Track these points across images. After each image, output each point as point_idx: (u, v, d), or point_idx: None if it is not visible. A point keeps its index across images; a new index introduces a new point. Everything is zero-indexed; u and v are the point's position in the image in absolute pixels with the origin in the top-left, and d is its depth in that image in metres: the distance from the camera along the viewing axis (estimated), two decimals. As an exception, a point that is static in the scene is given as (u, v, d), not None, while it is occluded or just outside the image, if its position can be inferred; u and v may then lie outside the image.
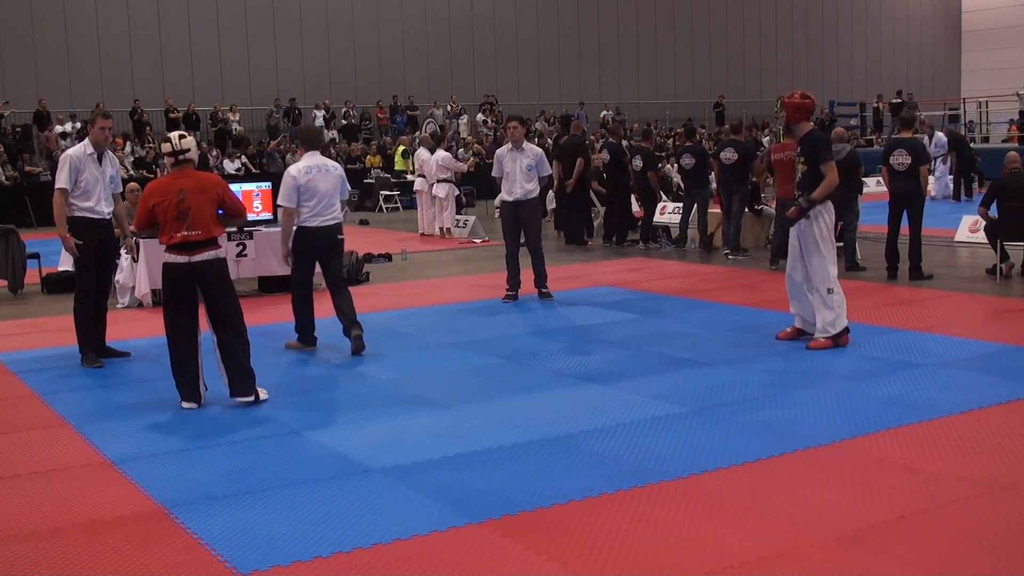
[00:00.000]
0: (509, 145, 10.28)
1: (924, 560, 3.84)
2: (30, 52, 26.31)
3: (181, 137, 6.46)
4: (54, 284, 11.92)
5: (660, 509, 4.40)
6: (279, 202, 7.86)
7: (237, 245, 10.86)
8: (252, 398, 6.37)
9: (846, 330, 7.62)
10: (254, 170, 25.11)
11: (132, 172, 23.38)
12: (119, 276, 10.77)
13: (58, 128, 24.69)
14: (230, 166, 24.83)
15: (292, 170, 7.81)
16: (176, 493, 4.78)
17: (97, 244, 7.77)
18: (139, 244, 10.41)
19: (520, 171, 10.08)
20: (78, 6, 26.92)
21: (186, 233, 6.22)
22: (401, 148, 26.09)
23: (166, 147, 6.44)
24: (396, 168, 25.96)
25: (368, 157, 27.01)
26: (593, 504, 4.48)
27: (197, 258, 6.28)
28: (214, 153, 25.32)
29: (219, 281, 6.36)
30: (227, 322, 6.38)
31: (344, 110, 29.43)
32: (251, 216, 11.13)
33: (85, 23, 27.01)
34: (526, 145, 10.23)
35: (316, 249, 7.90)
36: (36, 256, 12.10)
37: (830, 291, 7.55)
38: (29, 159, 23.61)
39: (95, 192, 7.70)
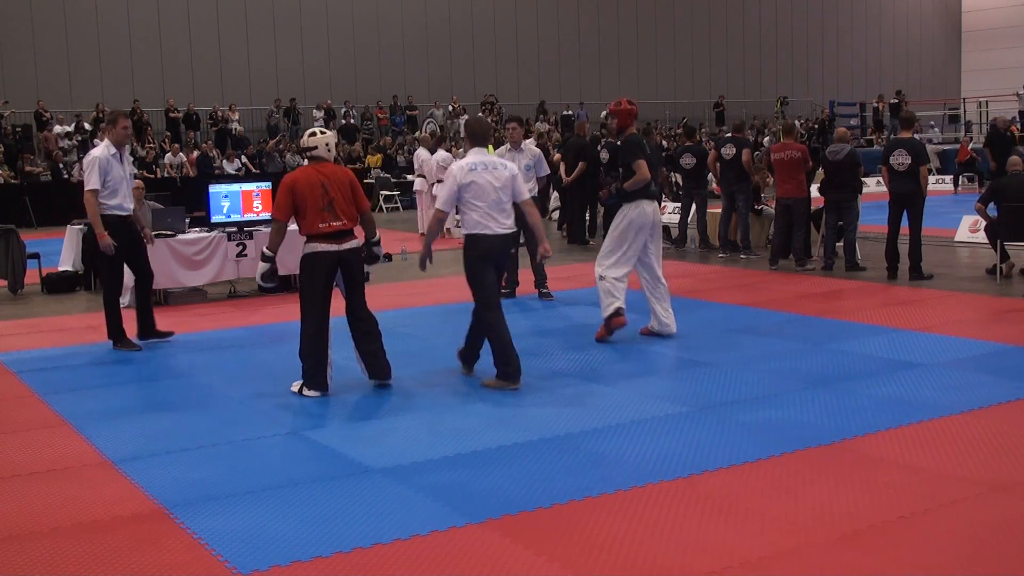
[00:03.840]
0: (508, 146, 10.28)
1: (924, 560, 3.84)
2: (30, 52, 26.31)
3: (311, 135, 6.71)
4: (54, 284, 11.93)
5: (660, 509, 4.40)
6: (436, 205, 6.87)
7: (237, 245, 10.85)
8: (390, 380, 6.69)
9: (616, 312, 7.83)
10: (254, 170, 25.11)
11: (135, 171, 23.37)
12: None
13: (58, 128, 24.69)
14: (230, 166, 24.82)
15: (454, 167, 6.77)
16: (176, 493, 4.78)
17: (127, 239, 8.20)
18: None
19: (519, 171, 10.10)
20: (78, 6, 26.92)
21: (333, 223, 6.47)
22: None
23: (302, 143, 6.78)
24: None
25: (368, 157, 27.01)
26: (593, 504, 4.48)
27: (345, 246, 6.53)
28: (213, 152, 25.32)
29: (360, 269, 6.68)
30: (364, 311, 6.69)
31: (344, 110, 29.43)
32: (251, 216, 11.13)
33: (85, 23, 27.00)
34: (525, 146, 10.24)
35: (493, 260, 6.71)
36: (36, 256, 12.11)
37: (601, 278, 7.91)
38: (29, 159, 23.61)
39: (121, 190, 8.11)
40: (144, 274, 8.47)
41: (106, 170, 7.97)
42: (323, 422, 6.01)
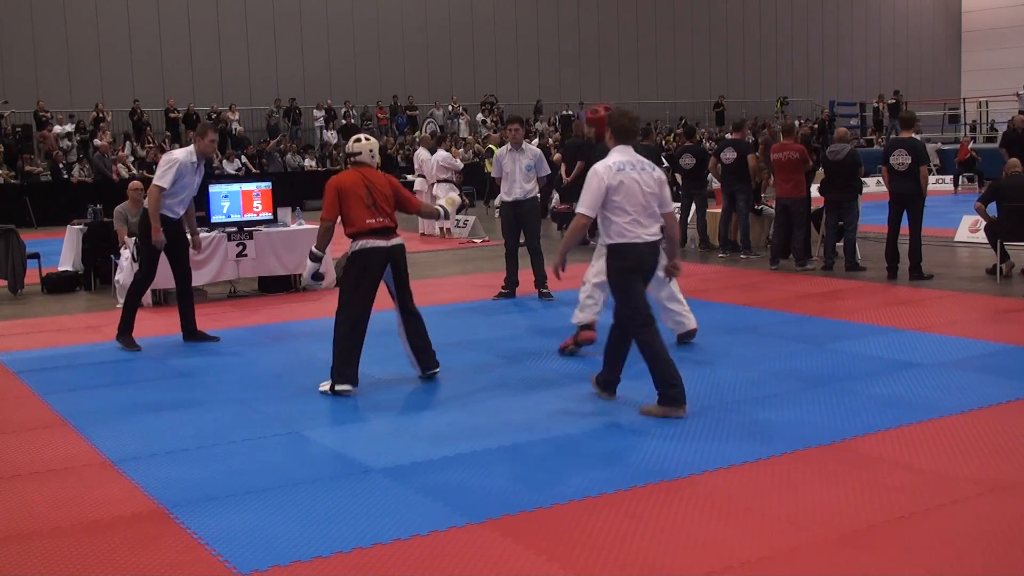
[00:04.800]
0: (508, 146, 10.28)
1: (924, 560, 3.84)
2: (30, 52, 26.31)
3: (356, 141, 6.90)
4: (54, 284, 11.93)
5: (660, 509, 4.40)
6: (578, 209, 5.95)
7: (237, 245, 10.85)
8: (437, 369, 6.92)
9: (586, 326, 7.47)
10: (254, 170, 25.12)
11: (134, 171, 23.37)
12: (119, 276, 10.78)
13: (58, 128, 24.70)
14: (230, 166, 24.82)
15: (599, 167, 5.96)
16: (176, 493, 4.78)
17: (171, 241, 8.33)
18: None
19: (520, 171, 10.12)
20: (78, 6, 26.92)
21: (380, 220, 6.60)
22: (493, 148, 24.23)
23: (347, 148, 7.00)
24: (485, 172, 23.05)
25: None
26: (593, 504, 4.48)
27: (392, 242, 6.66)
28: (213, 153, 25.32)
29: (406, 265, 6.82)
30: (412, 305, 6.87)
31: (344, 110, 29.43)
32: (251, 216, 11.13)
33: (85, 23, 27.01)
34: (526, 146, 10.25)
35: (646, 270, 5.98)
36: (36, 256, 12.10)
37: (583, 282, 7.61)
38: (29, 159, 23.61)
39: (182, 196, 8.32)
40: (186, 275, 8.62)
41: (181, 174, 8.16)
42: (323, 422, 6.01)
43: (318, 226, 6.76)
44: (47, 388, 7.05)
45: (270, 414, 6.20)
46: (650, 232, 5.87)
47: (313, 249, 6.77)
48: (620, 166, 5.87)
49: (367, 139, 6.92)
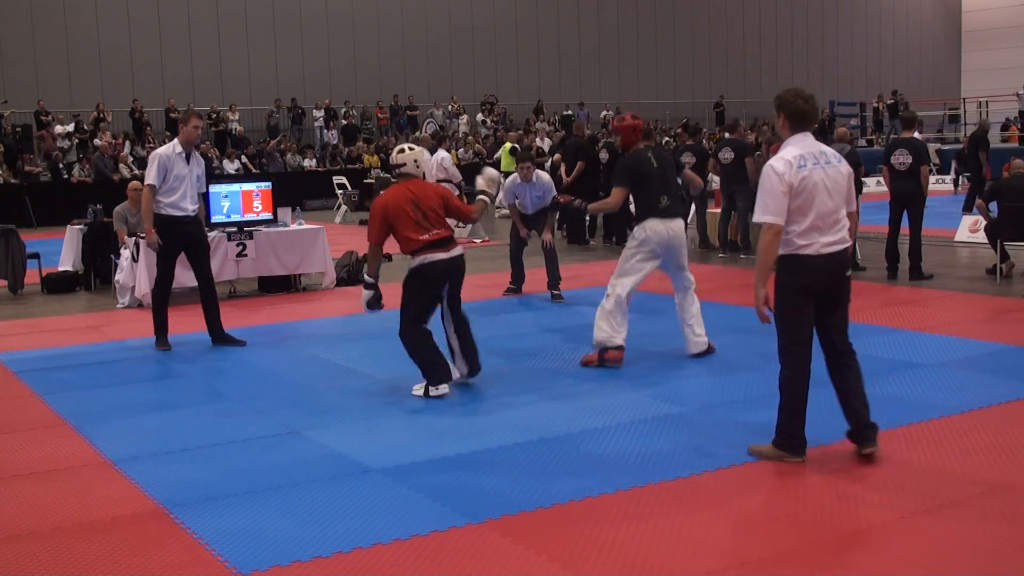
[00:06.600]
0: (519, 179, 10.37)
1: (924, 560, 3.84)
2: (30, 52, 26.31)
3: (399, 152, 6.70)
4: (54, 284, 11.93)
5: (660, 509, 4.40)
6: (756, 217, 4.81)
7: (237, 245, 10.85)
8: (479, 372, 6.74)
9: (617, 347, 7.09)
10: (254, 170, 25.12)
11: (135, 171, 23.37)
12: (119, 276, 10.79)
13: (58, 128, 24.69)
14: (230, 166, 24.83)
15: (776, 163, 4.76)
16: (176, 493, 4.78)
17: (183, 240, 8.17)
18: (139, 245, 10.41)
19: (531, 201, 10.39)
20: (78, 6, 26.92)
21: (435, 232, 6.44)
22: (508, 146, 23.08)
23: (391, 160, 6.78)
24: (503, 169, 22.33)
25: (367, 157, 27.00)
26: (593, 504, 4.48)
27: (452, 253, 6.51)
28: (213, 153, 25.32)
29: (463, 276, 6.68)
30: (461, 311, 6.74)
31: (344, 110, 29.43)
32: (251, 216, 11.13)
33: (85, 23, 27.00)
34: (536, 179, 10.30)
35: (821, 288, 4.85)
36: (36, 256, 12.10)
37: (607, 295, 7.25)
38: (29, 159, 23.61)
39: (180, 190, 8.07)
40: (204, 277, 8.37)
41: (167, 167, 7.96)
42: (323, 422, 6.00)
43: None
44: (47, 388, 7.05)
45: (270, 414, 6.20)
46: (830, 241, 4.78)
47: (365, 277, 6.66)
48: (802, 161, 4.72)
49: (411, 148, 6.69)
